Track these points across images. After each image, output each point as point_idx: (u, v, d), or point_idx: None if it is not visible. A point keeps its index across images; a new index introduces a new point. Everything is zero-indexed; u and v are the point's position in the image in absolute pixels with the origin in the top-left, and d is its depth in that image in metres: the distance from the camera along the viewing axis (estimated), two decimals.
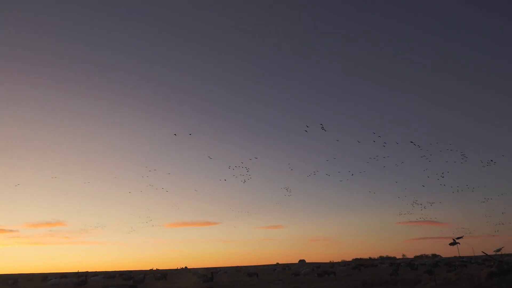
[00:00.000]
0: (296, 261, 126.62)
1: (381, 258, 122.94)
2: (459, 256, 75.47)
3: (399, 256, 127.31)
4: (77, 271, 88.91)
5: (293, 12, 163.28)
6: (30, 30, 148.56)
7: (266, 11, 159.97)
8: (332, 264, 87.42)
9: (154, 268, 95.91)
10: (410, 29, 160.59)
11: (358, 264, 51.22)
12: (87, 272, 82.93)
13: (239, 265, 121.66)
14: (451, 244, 18.28)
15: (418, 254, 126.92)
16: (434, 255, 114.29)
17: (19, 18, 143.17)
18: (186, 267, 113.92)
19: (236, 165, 44.65)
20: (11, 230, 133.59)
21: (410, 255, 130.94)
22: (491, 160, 42.88)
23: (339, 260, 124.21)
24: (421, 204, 56.27)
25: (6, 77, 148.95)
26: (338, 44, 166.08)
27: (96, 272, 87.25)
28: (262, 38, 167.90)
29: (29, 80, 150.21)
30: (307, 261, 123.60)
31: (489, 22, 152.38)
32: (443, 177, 46.23)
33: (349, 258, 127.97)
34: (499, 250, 47.46)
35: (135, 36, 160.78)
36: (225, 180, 53.71)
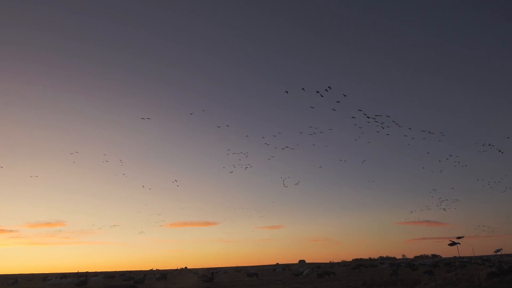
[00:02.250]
0: (296, 261, 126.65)
1: (381, 258, 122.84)
2: (459, 256, 75.58)
3: (399, 256, 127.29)
4: (77, 271, 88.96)
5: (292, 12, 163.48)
6: (30, 30, 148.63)
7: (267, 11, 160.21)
8: (332, 264, 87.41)
9: (154, 268, 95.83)
10: (409, 29, 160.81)
11: (358, 264, 51.20)
12: (87, 272, 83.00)
13: (239, 265, 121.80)
14: (450, 244, 18.27)
15: (418, 254, 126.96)
16: (434, 255, 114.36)
17: (19, 18, 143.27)
18: (186, 267, 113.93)
19: (236, 151, 43.54)
20: (11, 230, 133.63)
21: (410, 255, 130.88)
22: (489, 144, 37.59)
23: (339, 260, 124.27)
24: (446, 200, 55.37)
25: (6, 77, 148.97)
26: (338, 43, 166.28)
27: (96, 272, 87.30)
28: (259, 36, 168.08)
29: (29, 80, 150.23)
30: (307, 261, 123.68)
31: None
32: (458, 162, 42.49)
33: (349, 258, 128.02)
34: (498, 250, 47.68)
35: (132, 34, 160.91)
36: (231, 172, 52.53)
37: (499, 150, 37.16)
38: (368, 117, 26.31)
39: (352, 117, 27.28)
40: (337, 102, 25.70)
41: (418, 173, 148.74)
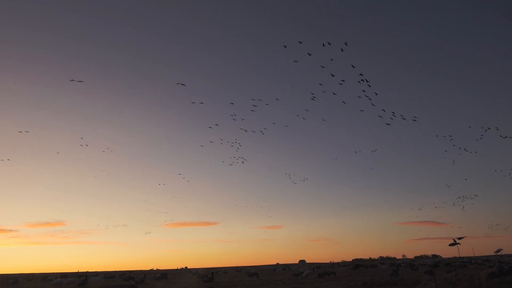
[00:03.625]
0: (296, 261, 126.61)
1: (381, 258, 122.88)
2: (459, 257, 75.48)
3: (399, 256, 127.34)
4: (77, 271, 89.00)
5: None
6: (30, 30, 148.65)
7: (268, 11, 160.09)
8: (332, 264, 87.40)
9: (154, 268, 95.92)
10: (411, 29, 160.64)
11: (358, 265, 51.14)
12: (87, 272, 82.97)
13: (239, 265, 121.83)
14: (451, 244, 18.26)
15: (418, 254, 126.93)
16: (434, 256, 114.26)
17: (19, 18, 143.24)
18: (186, 267, 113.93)
19: (228, 140, 42.08)
20: (11, 230, 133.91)
21: (410, 255, 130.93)
22: (492, 128, 35.60)
23: (339, 260, 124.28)
24: (465, 197, 54.52)
25: (6, 77, 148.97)
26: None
27: (96, 272, 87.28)
28: (259, 36, 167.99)
29: (29, 80, 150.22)
30: (307, 261, 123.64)
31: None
32: (465, 149, 40.48)
33: (349, 258, 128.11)
34: (499, 250, 47.57)
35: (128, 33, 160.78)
36: (230, 165, 50.90)
37: (502, 136, 35.95)
38: (370, 86, 25.45)
39: (358, 82, 25.85)
40: (331, 59, 24.68)
41: (419, 172, 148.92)
